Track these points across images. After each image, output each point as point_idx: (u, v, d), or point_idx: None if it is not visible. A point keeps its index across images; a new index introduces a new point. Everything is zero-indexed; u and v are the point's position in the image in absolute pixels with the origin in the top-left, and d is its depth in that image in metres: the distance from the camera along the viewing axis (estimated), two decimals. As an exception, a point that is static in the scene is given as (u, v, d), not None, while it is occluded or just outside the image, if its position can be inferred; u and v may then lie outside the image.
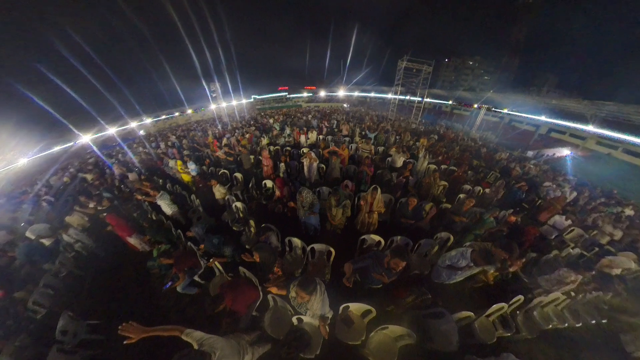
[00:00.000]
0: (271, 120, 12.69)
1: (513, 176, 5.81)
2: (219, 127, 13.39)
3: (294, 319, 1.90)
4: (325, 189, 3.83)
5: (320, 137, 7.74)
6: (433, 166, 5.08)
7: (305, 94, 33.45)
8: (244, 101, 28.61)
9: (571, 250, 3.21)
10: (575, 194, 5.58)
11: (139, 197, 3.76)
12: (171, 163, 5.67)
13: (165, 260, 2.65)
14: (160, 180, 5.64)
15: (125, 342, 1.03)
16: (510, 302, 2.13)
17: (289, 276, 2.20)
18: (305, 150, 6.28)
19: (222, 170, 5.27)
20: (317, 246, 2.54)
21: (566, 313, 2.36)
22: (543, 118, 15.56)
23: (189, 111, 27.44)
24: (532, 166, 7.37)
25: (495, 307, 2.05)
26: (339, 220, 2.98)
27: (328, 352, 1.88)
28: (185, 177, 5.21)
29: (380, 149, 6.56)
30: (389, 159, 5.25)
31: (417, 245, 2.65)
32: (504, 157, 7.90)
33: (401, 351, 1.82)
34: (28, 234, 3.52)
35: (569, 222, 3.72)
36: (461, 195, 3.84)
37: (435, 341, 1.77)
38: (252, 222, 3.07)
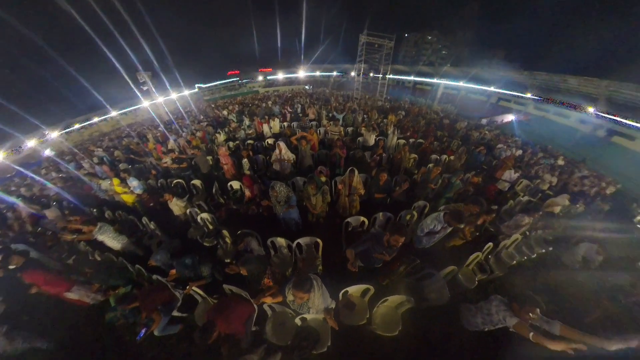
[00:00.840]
0: (225, 112, 11.69)
1: (472, 142, 6.89)
2: (161, 128, 11.49)
3: (297, 320, 1.95)
4: (299, 179, 3.82)
5: (285, 124, 7.56)
6: (402, 141, 5.54)
7: (260, 78, 31.41)
8: (187, 92, 24.98)
9: (522, 199, 4.10)
10: (521, 151, 7.23)
11: (68, 237, 3.00)
12: (104, 184, 4.61)
13: (129, 306, 2.26)
14: (94, 210, 4.57)
15: None
16: (483, 250, 2.67)
17: (281, 279, 2.20)
18: (270, 141, 6.06)
19: (176, 180, 4.67)
20: (303, 240, 2.57)
21: (524, 249, 3.07)
22: (492, 88, 19.23)
23: (114, 113, 22.52)
24: (487, 132, 8.78)
25: (472, 256, 2.55)
26: (320, 208, 3.04)
27: (339, 339, 1.99)
28: (128, 198, 4.38)
29: (350, 129, 6.79)
30: (360, 138, 5.51)
31: (398, 218, 2.95)
32: (463, 126, 9.16)
33: (404, 317, 2.11)
34: None
35: (517, 175, 4.72)
36: (430, 165, 4.34)
37: (430, 299, 2.08)
38: (225, 232, 2.91)
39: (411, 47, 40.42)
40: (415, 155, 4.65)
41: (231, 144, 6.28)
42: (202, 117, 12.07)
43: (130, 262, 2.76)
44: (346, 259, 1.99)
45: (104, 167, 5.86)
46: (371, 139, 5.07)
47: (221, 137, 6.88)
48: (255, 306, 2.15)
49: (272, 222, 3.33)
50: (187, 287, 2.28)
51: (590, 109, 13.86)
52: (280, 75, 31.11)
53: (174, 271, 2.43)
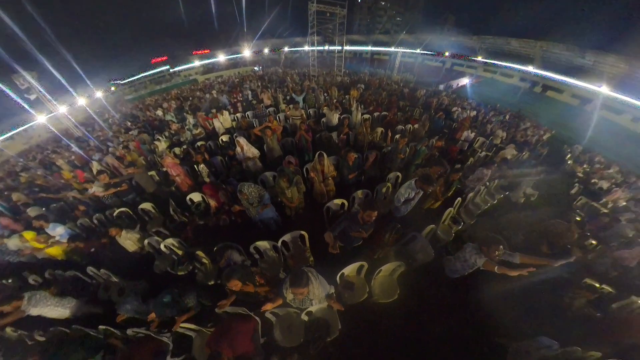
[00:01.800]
0: (160, 112, 10.37)
1: (433, 108, 7.75)
2: (74, 148, 9.36)
3: (304, 316, 2.09)
4: (268, 175, 3.83)
5: (238, 115, 7.17)
6: (367, 116, 5.91)
7: (197, 63, 28.12)
8: (100, 94, 20.84)
9: (480, 155, 5.05)
10: (475, 112, 8.55)
11: None
12: (12, 243, 3.57)
13: None
14: (10, 281, 3.57)
15: None
16: (454, 205, 3.22)
17: (274, 281, 2.28)
18: (224, 138, 5.73)
19: (118, 210, 4.00)
20: (287, 237, 2.67)
21: (487, 197, 3.79)
22: (447, 54, 21.92)
23: None
24: (445, 97, 9.90)
25: (446, 213, 3.08)
26: (297, 200, 3.16)
27: (347, 320, 2.21)
28: (55, 251, 3.60)
29: (312, 111, 6.87)
30: (324, 119, 5.67)
31: (375, 192, 3.28)
32: (422, 94, 10.11)
33: (399, 281, 2.46)
34: None
35: (473, 134, 5.71)
36: (397, 136, 4.80)
37: (418, 258, 2.41)
38: (200, 253, 2.78)
39: (365, 14, 41.05)
40: (382, 129, 5.05)
41: (177, 149, 5.71)
42: (129, 123, 10.44)
43: (91, 327, 2.36)
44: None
45: (2, 221, 4.55)
46: (334, 118, 5.28)
47: (162, 144, 6.21)
48: (257, 318, 2.15)
49: (249, 228, 3.32)
50: (174, 326, 2.15)
51: (530, 68, 16.98)
52: (222, 57, 28.40)
53: (153, 315, 2.25)
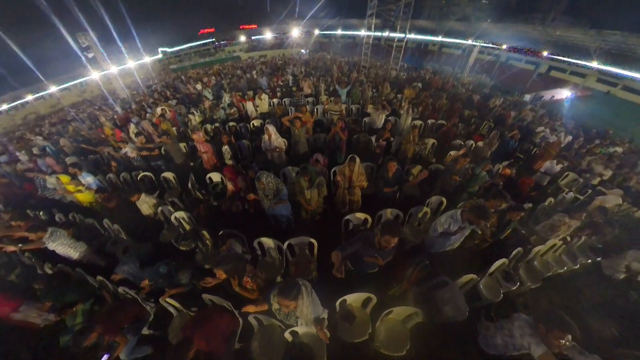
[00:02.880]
0: (199, 86, 11.75)
1: (508, 125, 6.95)
2: (117, 108, 11.50)
3: (287, 335, 2.06)
4: (290, 169, 4.02)
5: (274, 101, 7.67)
6: (418, 122, 5.70)
7: (242, 39, 30.69)
8: (148, 59, 24.53)
9: (565, 196, 4.14)
10: (570, 137, 7.06)
11: (11, 248, 3.09)
12: (51, 181, 4.71)
13: (89, 341, 2.18)
14: (41, 213, 4.68)
15: None
16: (511, 256, 2.71)
17: (266, 286, 2.34)
18: (256, 122, 6.22)
19: (142, 174, 4.81)
20: (295, 241, 2.73)
21: (564, 257, 3.12)
22: (544, 54, 17.80)
23: (53, 89, 21.66)
24: (528, 112, 8.83)
25: (496, 264, 2.58)
26: (315, 203, 3.26)
27: (336, 358, 2.12)
28: (83, 198, 4.52)
29: (355, 107, 6.93)
30: (367, 119, 5.68)
31: (409, 215, 3.17)
32: (498, 103, 9.25)
33: (412, 333, 2.19)
34: None
35: (560, 166, 4.81)
36: (451, 152, 4.52)
37: (444, 312, 2.06)
38: (205, 233, 3.10)
39: (441, -5, 37.43)
40: (434, 140, 4.84)
41: (209, 127, 6.43)
42: (169, 92, 12.06)
43: (91, 274, 2.93)
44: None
45: (48, 160, 5.82)
46: (379, 120, 5.25)
47: (196, 118, 7.05)
48: (240, 319, 2.25)
49: (259, 220, 3.54)
50: (162, 297, 2.43)
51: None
52: (268, 35, 30.37)
53: (146, 281, 2.59)
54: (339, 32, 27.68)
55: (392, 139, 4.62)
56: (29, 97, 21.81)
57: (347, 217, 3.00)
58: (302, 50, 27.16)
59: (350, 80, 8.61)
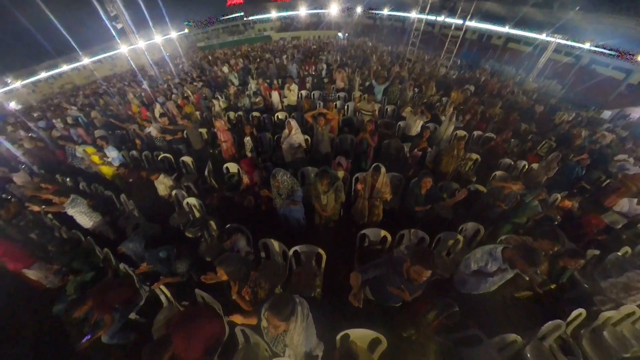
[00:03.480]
0: (226, 69, 12.25)
1: (575, 146, 6.18)
2: (145, 85, 12.50)
3: None
4: (311, 170, 4.04)
5: (302, 93, 7.71)
6: (462, 132, 5.38)
7: (274, 14, 29.95)
8: (174, 35, 25.04)
9: None
10: None
11: (36, 208, 3.58)
12: (79, 151, 5.42)
13: (80, 312, 2.43)
14: (68, 179, 5.44)
15: None
16: (569, 319, 2.27)
17: (264, 297, 2.24)
18: (280, 115, 6.33)
19: (163, 155, 5.29)
20: (302, 248, 2.70)
21: None
22: None
23: (86, 61, 24.17)
24: (605, 133, 7.84)
25: (549, 325, 2.14)
26: (331, 209, 3.24)
27: None
28: (106, 170, 5.12)
29: (390, 108, 6.72)
30: (401, 123, 5.49)
31: (436, 241, 2.97)
32: (566, 119, 8.35)
33: None
34: None
35: None
36: (497, 173, 4.21)
37: None
38: (212, 224, 3.29)
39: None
40: (478, 156, 4.54)
41: (232, 114, 6.70)
42: (195, 73, 12.70)
43: (99, 245, 3.29)
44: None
45: (80, 131, 6.79)
46: (416, 126, 5.05)
47: (220, 104, 7.40)
48: (226, 327, 2.23)
49: (269, 219, 3.64)
50: (155, 284, 2.56)
51: None
52: (303, 11, 29.26)
53: (144, 265, 2.80)
54: (386, 12, 24.87)
55: (429, 149, 4.41)
56: (65, 67, 24.53)
57: (364, 231, 2.95)
58: (340, 34, 26.08)
59: (390, 75, 8.37)
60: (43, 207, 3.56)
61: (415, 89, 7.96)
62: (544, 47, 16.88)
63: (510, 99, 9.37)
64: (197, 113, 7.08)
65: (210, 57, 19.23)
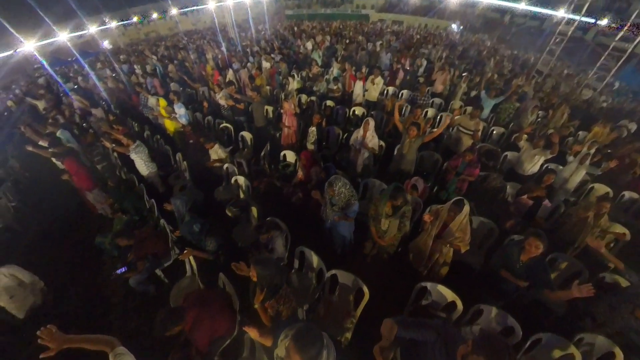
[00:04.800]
0: (309, 45, 12.74)
1: None
2: (223, 47, 13.93)
3: None
4: (377, 183, 3.88)
5: (390, 89, 7.48)
6: (602, 187, 4.36)
7: None
8: None
9: None
10: None
11: (107, 144, 4.58)
12: (151, 101, 6.48)
13: (122, 242, 3.20)
14: (136, 125, 6.61)
15: (41, 356, 1.31)
16: None
17: (286, 314, 2.25)
18: (357, 111, 6.26)
19: (224, 124, 5.84)
20: (343, 276, 2.62)
21: None
22: None
23: (174, 11, 26.92)
24: None
25: None
26: (390, 239, 3.05)
27: None
28: (170, 125, 5.95)
29: (498, 131, 5.97)
30: (509, 154, 4.82)
31: (531, 343, 2.33)
32: None
33: None
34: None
35: None
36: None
37: None
38: (254, 210, 3.48)
39: None
40: (625, 230, 3.51)
41: (304, 98, 6.93)
42: (276, 44, 13.50)
43: (148, 195, 3.94)
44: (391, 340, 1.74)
45: (155, 81, 8.18)
46: (533, 164, 4.35)
47: (294, 83, 7.71)
48: (236, 327, 2.38)
49: (313, 225, 3.66)
50: (185, 252, 2.81)
51: None
52: None
53: (178, 232, 3.25)
54: (521, 5, 21.17)
55: (545, 201, 3.70)
56: (154, 15, 28.66)
57: (427, 284, 2.61)
58: (454, 26, 24.61)
59: (508, 88, 7.41)
60: (112, 145, 4.48)
61: (541, 111, 6.88)
62: None
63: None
64: (268, 88, 7.57)
65: (295, 29, 20.24)
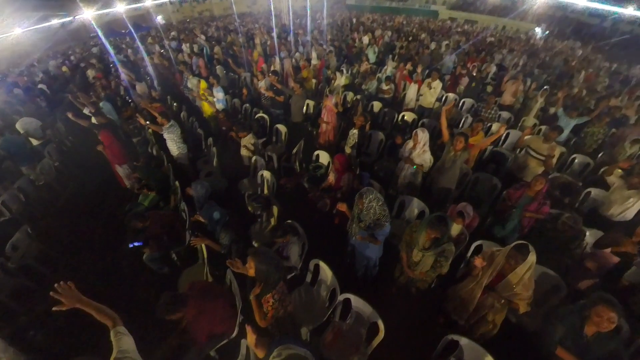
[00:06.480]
0: (366, 40, 12.62)
1: None
2: (274, 33, 14.29)
3: None
4: (415, 202, 3.67)
5: (450, 96, 7.14)
6: None
7: None
8: None
9: None
10: None
11: (142, 120, 4.90)
12: (192, 82, 6.83)
13: (136, 224, 3.32)
14: (175, 104, 7.02)
15: (53, 309, 1.41)
16: None
17: (291, 326, 2.28)
18: (407, 116, 6.00)
19: (260, 114, 5.95)
20: (358, 303, 2.53)
21: None
22: None
23: None
24: None
25: None
26: (421, 274, 2.83)
27: None
28: (207, 109, 6.21)
29: (578, 159, 5.19)
30: (594, 191, 4.20)
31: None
32: None
33: None
34: (18, 126, 5.53)
35: None
36: None
37: None
38: (275, 210, 3.46)
39: None
40: None
41: (351, 95, 6.79)
42: (330, 35, 13.49)
43: (174, 175, 4.21)
44: None
45: (200, 62, 8.65)
46: (625, 208, 3.69)
47: (342, 79, 7.61)
48: (235, 327, 2.47)
49: (335, 239, 3.60)
50: (198, 238, 2.98)
51: None
52: None
53: (196, 216, 3.39)
54: (628, 10, 18.03)
55: (637, 259, 3.06)
56: None
57: (459, 339, 2.26)
58: (537, 29, 22.71)
59: (596, 108, 6.44)
60: (147, 122, 4.80)
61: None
62: None
63: None
64: (314, 81, 7.54)
65: (354, 20, 20.13)
